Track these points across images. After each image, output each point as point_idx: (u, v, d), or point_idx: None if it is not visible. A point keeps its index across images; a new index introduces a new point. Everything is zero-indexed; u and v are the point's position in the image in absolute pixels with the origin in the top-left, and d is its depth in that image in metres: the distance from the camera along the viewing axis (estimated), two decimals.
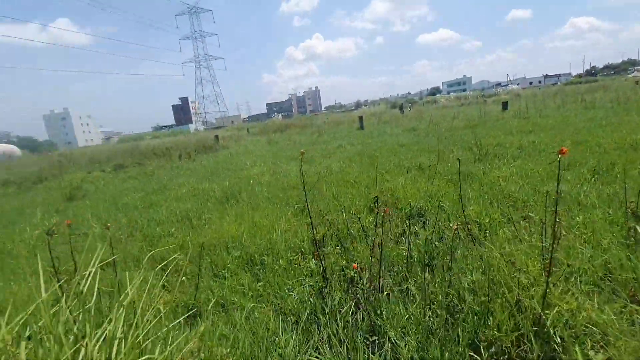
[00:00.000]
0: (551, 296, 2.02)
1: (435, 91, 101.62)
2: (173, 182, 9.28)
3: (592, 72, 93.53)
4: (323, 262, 2.79)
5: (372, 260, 2.73)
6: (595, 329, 1.83)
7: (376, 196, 2.43)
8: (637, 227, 2.89)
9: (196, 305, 2.70)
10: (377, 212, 2.40)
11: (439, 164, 6.91)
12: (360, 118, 19.57)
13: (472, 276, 2.30)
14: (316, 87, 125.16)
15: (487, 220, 3.61)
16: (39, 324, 1.48)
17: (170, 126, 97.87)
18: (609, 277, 2.41)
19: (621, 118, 9.70)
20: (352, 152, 10.89)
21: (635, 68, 65.33)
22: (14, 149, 37.10)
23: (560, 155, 1.71)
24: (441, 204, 4.25)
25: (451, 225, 3.58)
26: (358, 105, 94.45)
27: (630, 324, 1.97)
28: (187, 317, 2.69)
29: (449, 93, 78.12)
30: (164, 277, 2.77)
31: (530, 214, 3.75)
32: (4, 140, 61.83)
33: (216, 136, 19.54)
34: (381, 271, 2.42)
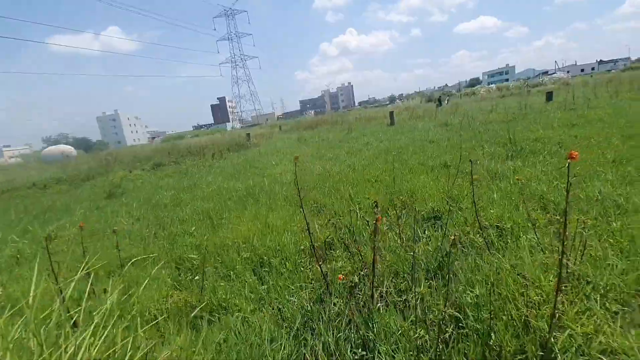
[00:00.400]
0: (565, 317, 1.81)
1: (474, 82, 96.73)
2: (202, 180, 9.61)
3: None
4: (323, 268, 2.73)
5: (375, 267, 2.62)
6: (614, 357, 1.61)
7: (375, 201, 2.31)
8: None
9: (199, 306, 2.74)
10: (375, 222, 2.29)
11: (465, 162, 6.54)
12: (391, 113, 19.08)
13: (477, 289, 2.12)
14: (349, 83, 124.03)
15: (509, 225, 3.34)
16: (29, 327, 1.55)
17: (210, 125, 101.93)
18: None
19: None
20: (379, 150, 10.65)
21: None
22: (70, 149, 40.47)
23: (569, 160, 1.50)
24: (461, 205, 4.01)
25: (468, 229, 3.36)
26: (392, 99, 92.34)
27: None
28: (193, 317, 2.75)
29: (490, 84, 73.99)
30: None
31: (559, 217, 3.42)
32: (63, 141, 67.71)
33: (248, 134, 20.02)
34: (374, 282, 2.30)
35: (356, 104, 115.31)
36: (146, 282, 2.12)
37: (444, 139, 10.41)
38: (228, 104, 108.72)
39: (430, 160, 7.11)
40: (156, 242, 4.68)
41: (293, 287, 2.87)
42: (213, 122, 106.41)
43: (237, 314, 2.56)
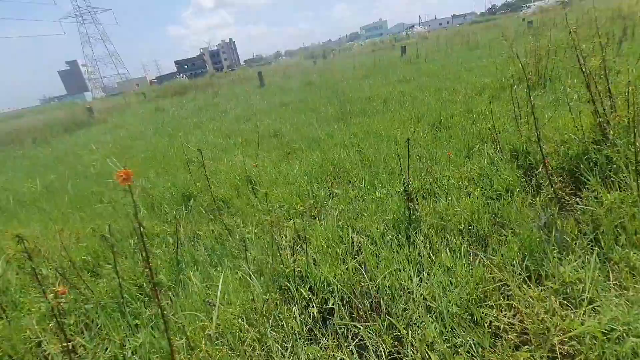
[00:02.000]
0: None
1: (354, 37, 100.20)
2: None
3: (493, 11, 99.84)
4: None
5: None
6: None
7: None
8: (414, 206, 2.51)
9: None
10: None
11: (300, 128, 6.26)
12: (259, 74, 18.05)
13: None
14: (230, 39, 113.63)
15: (293, 211, 3.02)
16: None
17: (62, 97, 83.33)
18: None
19: (487, 60, 9.86)
20: (231, 117, 9.82)
21: (526, 5, 70.44)
22: None
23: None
24: (257, 189, 3.58)
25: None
26: (277, 56, 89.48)
27: None
28: None
29: (367, 38, 77.54)
30: None
31: (335, 190, 3.27)
32: None
33: (89, 108, 16.49)
34: None
35: (241, 63, 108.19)
36: None
37: (299, 101, 10.08)
38: (82, 68, 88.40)
39: (263, 128, 6.62)
40: None
41: None
42: (66, 92, 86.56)
43: None
